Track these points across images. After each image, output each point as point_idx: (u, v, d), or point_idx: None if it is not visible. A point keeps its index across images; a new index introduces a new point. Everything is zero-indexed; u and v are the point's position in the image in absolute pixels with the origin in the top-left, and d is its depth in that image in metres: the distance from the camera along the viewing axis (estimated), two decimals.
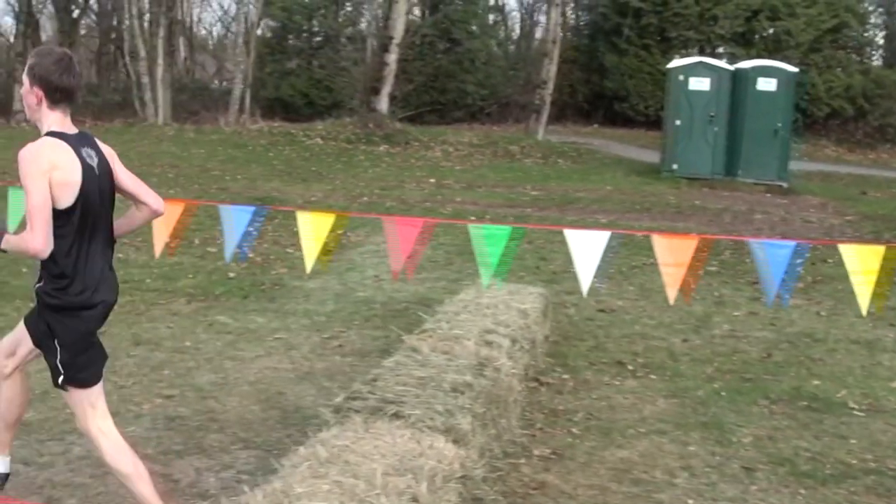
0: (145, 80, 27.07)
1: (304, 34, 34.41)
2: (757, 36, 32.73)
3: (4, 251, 3.82)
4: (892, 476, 5.18)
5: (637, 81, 33.02)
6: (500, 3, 39.90)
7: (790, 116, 20.23)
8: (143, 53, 27.07)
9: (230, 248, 5.57)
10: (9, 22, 46.91)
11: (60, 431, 5.21)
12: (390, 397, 4.37)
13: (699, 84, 19.94)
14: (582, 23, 38.51)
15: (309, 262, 5.31)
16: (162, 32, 27.19)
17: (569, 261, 10.67)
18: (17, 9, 39.55)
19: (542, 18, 41.85)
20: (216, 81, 41.18)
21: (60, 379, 3.93)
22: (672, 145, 20.10)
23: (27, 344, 4.09)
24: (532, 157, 22.95)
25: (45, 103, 3.83)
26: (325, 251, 5.46)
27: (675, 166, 19.89)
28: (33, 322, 4.01)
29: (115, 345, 7.00)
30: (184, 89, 33.47)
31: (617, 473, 5.05)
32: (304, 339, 7.24)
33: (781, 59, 22.91)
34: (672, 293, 4.97)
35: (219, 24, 51.94)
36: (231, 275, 9.71)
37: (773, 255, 4.84)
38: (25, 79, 3.87)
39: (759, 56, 26.93)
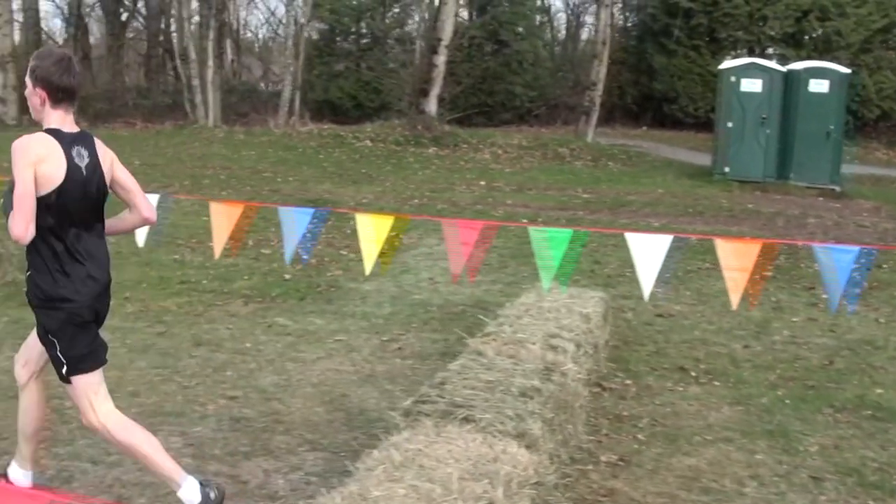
0: (195, 82, 27.26)
1: (352, 36, 34.50)
2: (807, 36, 32.29)
3: None
4: None
5: (686, 83, 32.71)
6: (545, 4, 39.75)
7: (842, 118, 19.93)
8: (193, 56, 27.28)
9: (290, 250, 5.58)
10: (57, 24, 47.57)
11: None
12: (459, 401, 4.34)
13: (751, 85, 19.72)
14: (630, 24, 38.22)
15: (368, 265, 5.31)
16: (212, 35, 27.37)
17: (623, 264, 10.72)
18: (65, 12, 40.14)
19: (589, 19, 41.75)
20: (262, 84, 41.45)
21: (64, 370, 4.06)
22: (724, 148, 19.88)
23: (38, 349, 4.22)
24: (582, 160, 22.83)
25: (48, 103, 4.00)
26: (385, 254, 5.46)
27: (726, 169, 19.68)
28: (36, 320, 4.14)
29: (177, 345, 7.07)
30: (232, 91, 33.69)
31: (686, 481, 4.98)
32: (363, 342, 7.24)
33: (831, 60, 22.58)
34: (735, 298, 4.90)
35: (265, 27, 52.35)
36: (286, 276, 9.74)
37: (837, 260, 4.77)
38: (28, 81, 4.02)
39: (808, 57, 26.61)
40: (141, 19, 42.32)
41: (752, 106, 19.56)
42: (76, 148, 4.00)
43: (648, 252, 5.18)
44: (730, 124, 19.66)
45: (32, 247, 3.98)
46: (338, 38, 34.52)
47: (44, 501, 4.24)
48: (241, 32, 45.73)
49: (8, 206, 3.93)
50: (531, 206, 15.37)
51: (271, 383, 6.16)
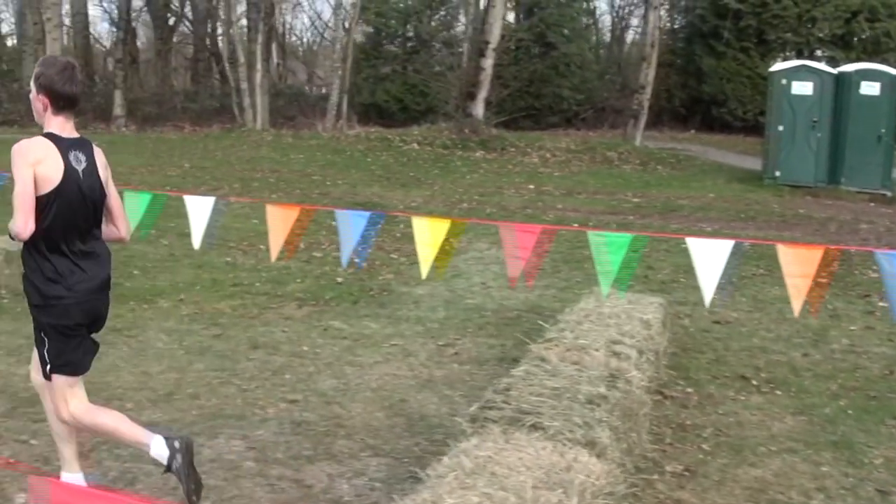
0: (244, 85, 27.42)
1: (399, 39, 34.56)
2: (856, 38, 31.84)
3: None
4: None
5: (735, 85, 32.37)
6: (591, 6, 39.53)
7: (893, 122, 19.57)
8: (241, 59, 27.45)
9: (347, 253, 5.55)
10: (104, 29, 48.13)
11: (189, 433, 5.21)
12: (526, 408, 4.29)
13: (802, 88, 19.45)
14: (678, 25, 37.88)
15: (424, 269, 5.27)
16: (260, 38, 27.52)
17: (677, 270, 10.60)
18: (113, 16, 40.55)
19: (634, 21, 41.49)
20: (307, 87, 41.66)
21: (47, 368, 4.21)
22: (774, 152, 19.63)
23: None
24: (631, 164, 22.68)
25: (50, 110, 4.15)
26: (440, 258, 5.41)
27: (777, 173, 19.44)
28: None
29: (233, 347, 7.08)
30: (280, 95, 33.88)
31: (753, 493, 4.88)
32: (420, 346, 7.20)
33: (880, 62, 22.21)
34: (797, 305, 4.79)
35: (310, 30, 52.62)
36: (339, 280, 9.74)
37: None
38: (32, 87, 4.18)
39: (857, 59, 26.21)
40: (188, 23, 42.73)
41: (802, 109, 19.31)
42: (74, 152, 4.13)
43: (709, 257, 5.08)
44: (780, 128, 19.41)
45: (30, 246, 4.11)
46: (384, 42, 34.59)
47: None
48: (287, 37, 46.02)
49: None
50: (581, 210, 15.28)
51: (330, 387, 6.14)
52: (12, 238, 4.19)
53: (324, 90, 39.60)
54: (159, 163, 20.19)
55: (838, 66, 21.12)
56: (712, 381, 6.78)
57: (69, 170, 4.07)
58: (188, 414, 5.56)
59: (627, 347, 5.58)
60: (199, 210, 5.65)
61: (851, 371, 7.21)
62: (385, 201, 15.17)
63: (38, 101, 4.16)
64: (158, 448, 4.17)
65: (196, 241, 5.62)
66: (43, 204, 4.02)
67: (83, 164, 4.16)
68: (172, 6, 39.76)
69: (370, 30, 34.39)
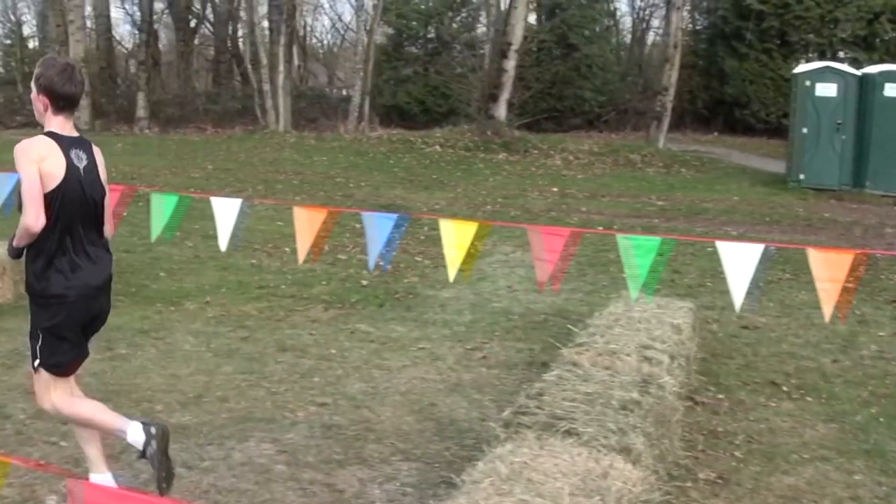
0: (266, 87, 27.48)
1: (420, 41, 34.57)
2: (878, 39, 31.64)
3: (20, 251, 4.23)
4: None
5: (758, 87, 32.20)
6: (612, 8, 39.41)
7: None
8: (264, 61, 27.51)
9: (373, 256, 5.53)
10: (126, 30, 48.34)
11: (219, 436, 5.24)
12: (559, 413, 4.26)
13: (826, 90, 19.30)
14: (700, 27, 37.70)
15: (451, 272, 5.23)
16: (283, 40, 27.57)
17: (703, 274, 10.54)
18: (135, 18, 40.72)
19: (655, 23, 41.33)
20: (326, 89, 41.73)
21: (36, 363, 4.28)
22: (798, 154, 19.49)
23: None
24: (654, 166, 22.58)
25: (50, 109, 4.23)
26: (468, 261, 5.38)
27: (801, 176, 19.31)
28: None
29: (261, 350, 7.07)
30: (301, 97, 33.95)
31: (786, 502, 4.84)
32: (447, 350, 7.18)
33: None
34: (828, 311, 4.73)
35: (330, 32, 52.71)
36: (363, 282, 9.73)
37: None
38: (33, 87, 4.26)
39: (881, 60, 25.99)
40: (209, 25, 42.88)
41: (826, 111, 19.16)
42: (75, 151, 4.22)
43: (739, 261, 5.03)
44: (804, 130, 19.28)
45: (33, 244, 4.17)
46: (405, 43, 34.61)
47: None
48: (307, 39, 46.13)
49: (11, 251, 4.27)
50: (605, 213, 15.23)
51: (359, 391, 6.13)
52: (12, 253, 4.30)
53: (344, 92, 39.66)
54: (182, 164, 20.26)
55: (861, 67, 20.95)
56: (743, 387, 6.73)
57: (71, 167, 4.15)
58: (218, 417, 5.55)
59: (659, 352, 5.54)
60: (225, 212, 5.65)
61: (882, 378, 7.14)
62: (408, 203, 15.17)
63: (38, 101, 4.25)
64: (135, 434, 4.25)
65: (223, 243, 5.61)
66: (47, 201, 4.10)
67: (84, 163, 4.25)
68: (194, 8, 39.92)
69: (391, 31, 34.41)
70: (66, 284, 4.16)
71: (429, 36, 34.38)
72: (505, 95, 25.12)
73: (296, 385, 6.22)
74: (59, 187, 4.10)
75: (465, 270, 5.43)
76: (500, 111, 25.04)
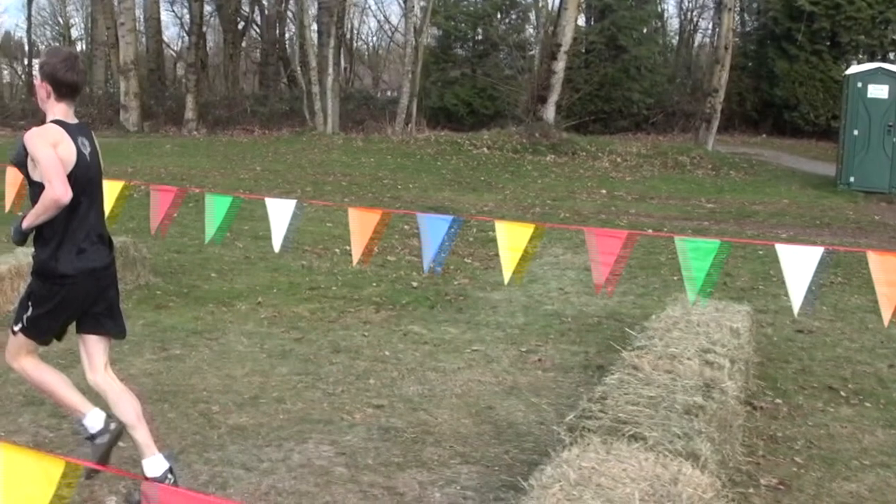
0: (314, 89, 27.59)
1: (468, 42, 34.55)
2: None
3: (27, 234, 4.32)
4: None
5: (807, 89, 31.83)
6: (660, 9, 39.15)
7: None
8: (313, 63, 27.62)
9: (428, 258, 5.51)
10: (173, 33, 48.81)
11: (277, 437, 5.24)
12: (623, 417, 4.21)
13: (878, 92, 19.01)
14: (748, 28, 37.33)
15: (507, 273, 5.20)
16: (332, 42, 27.67)
17: (755, 277, 10.41)
18: (184, 21, 41.13)
19: (702, 24, 40.99)
20: (373, 91, 41.87)
21: (18, 327, 4.44)
22: (849, 157, 19.22)
23: (95, 349, 4.54)
24: (703, 169, 22.39)
25: (53, 97, 4.36)
26: (521, 263, 5.34)
27: (851, 179, 19.04)
28: None
29: (315, 351, 7.07)
30: (349, 99, 34.07)
31: None
32: (501, 352, 7.13)
33: None
34: (887, 315, 4.64)
35: (376, 35, 52.90)
36: (414, 284, 9.71)
37: None
38: (37, 75, 4.41)
39: None
40: (256, 28, 43.20)
41: (878, 113, 18.88)
42: (80, 137, 4.37)
43: (798, 265, 4.95)
44: (855, 132, 19.01)
45: (47, 225, 4.29)
46: (453, 45, 34.62)
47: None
48: (353, 41, 46.34)
49: (16, 234, 4.35)
50: (655, 215, 15.12)
51: (415, 393, 6.10)
52: (18, 236, 4.36)
53: (389, 93, 39.76)
54: (231, 166, 20.39)
55: None
56: (800, 392, 6.63)
57: (80, 153, 4.31)
58: (275, 418, 5.55)
59: (719, 356, 5.46)
60: (279, 213, 5.67)
61: None
62: (457, 205, 15.15)
63: (41, 88, 4.37)
64: (94, 420, 4.44)
65: (276, 244, 5.63)
66: None
67: (88, 149, 4.41)
68: (242, 11, 40.23)
69: (439, 33, 34.42)
70: (73, 266, 4.31)
71: (477, 38, 34.35)
72: (553, 97, 25.03)
73: (351, 387, 6.20)
74: (72, 172, 4.23)
75: (519, 272, 5.39)
76: (549, 113, 24.95)
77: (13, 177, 5.90)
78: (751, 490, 4.82)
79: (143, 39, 38.48)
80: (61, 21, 56.16)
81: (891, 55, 31.67)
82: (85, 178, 4.33)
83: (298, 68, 30.02)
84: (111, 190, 5.97)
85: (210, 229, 5.76)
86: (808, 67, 31.93)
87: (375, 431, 5.36)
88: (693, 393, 4.66)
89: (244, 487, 4.60)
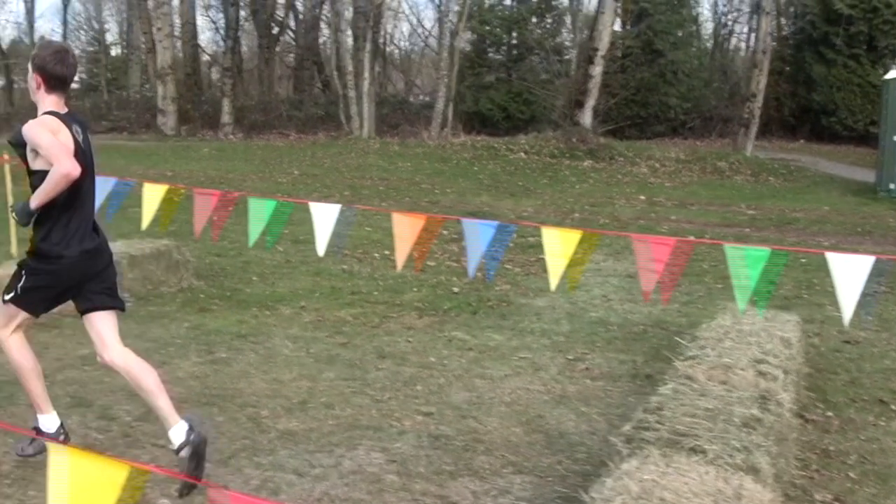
0: (350, 94, 27.67)
1: (504, 47, 34.51)
2: None
3: (34, 215, 4.49)
4: None
5: (845, 94, 31.56)
6: (695, 13, 38.93)
7: None
8: (350, 68, 27.70)
9: (474, 264, 5.48)
10: (207, 37, 49.10)
11: (328, 443, 5.22)
12: (681, 429, 4.15)
13: None
14: (785, 32, 37.04)
15: (553, 280, 5.16)
16: (368, 47, 27.74)
17: (798, 285, 10.28)
18: (219, 26, 41.34)
19: (737, 28, 40.71)
20: (409, 96, 41.92)
21: (10, 296, 4.65)
22: (889, 163, 19.02)
23: (103, 324, 4.72)
24: (742, 175, 22.24)
25: (43, 88, 4.55)
26: (575, 270, 5.29)
27: (892, 186, 18.84)
28: None
29: (361, 357, 7.05)
30: (383, 103, 34.15)
31: None
32: (548, 360, 7.08)
33: None
34: None
35: (408, 39, 52.92)
36: (455, 290, 9.69)
37: None
38: (29, 67, 4.59)
39: None
40: (290, 33, 43.39)
41: None
42: (74, 125, 4.56)
43: (849, 274, 4.88)
44: (895, 138, 18.80)
45: (46, 208, 4.48)
46: (488, 49, 34.58)
47: None
48: (386, 45, 46.46)
49: (23, 216, 4.52)
50: (695, 222, 15.02)
51: (464, 400, 6.06)
52: (25, 217, 4.50)
53: (421, 97, 39.78)
54: (269, 170, 20.48)
55: None
56: (851, 405, 6.52)
57: (76, 141, 4.51)
58: (325, 423, 5.54)
59: (773, 367, 5.38)
60: (324, 218, 5.66)
61: None
62: (495, 211, 15.11)
63: (33, 80, 4.56)
64: (49, 424, 4.77)
65: (321, 248, 5.62)
66: None
67: (81, 136, 4.59)
68: (277, 16, 40.43)
69: (473, 37, 34.40)
70: (69, 247, 4.53)
71: (511, 42, 34.31)
72: (591, 102, 24.97)
73: (399, 393, 6.18)
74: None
75: (573, 279, 5.36)
76: (586, 118, 24.88)
77: None
78: None
79: (179, 44, 38.74)
80: (96, 26, 56.69)
81: None
82: (82, 164, 4.47)
83: (335, 72, 30.11)
84: (156, 194, 6.00)
85: (254, 233, 5.76)
86: (845, 72, 31.66)
87: (425, 439, 5.33)
88: (750, 405, 4.60)
89: (297, 493, 4.58)
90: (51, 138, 4.37)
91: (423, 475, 4.79)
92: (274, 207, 5.78)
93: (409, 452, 5.10)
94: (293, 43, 44.14)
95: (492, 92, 32.76)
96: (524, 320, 8.41)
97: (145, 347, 7.08)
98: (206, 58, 45.47)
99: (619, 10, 31.94)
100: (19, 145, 4.52)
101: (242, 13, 38.17)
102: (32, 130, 4.40)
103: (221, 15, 43.42)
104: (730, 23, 41.26)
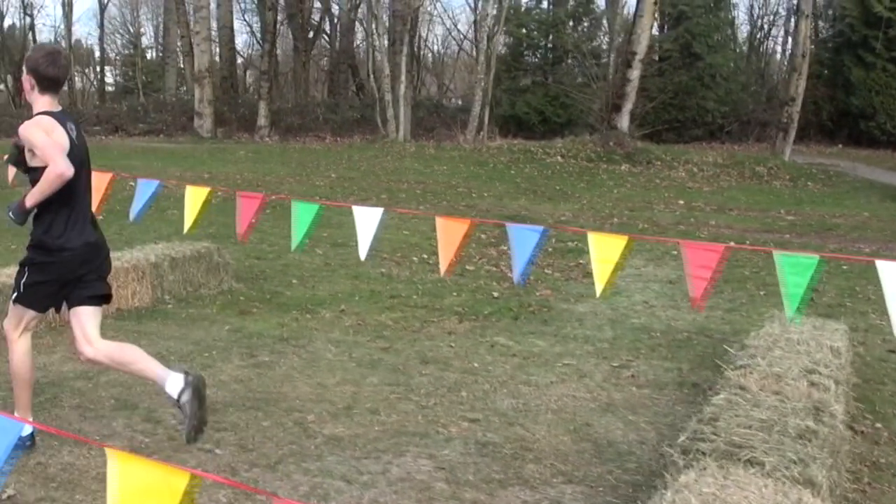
0: (387, 97, 27.72)
1: (540, 50, 34.45)
2: None
3: (29, 213, 4.65)
4: None
5: (884, 98, 31.24)
6: (731, 16, 38.68)
7: None
8: (386, 71, 27.75)
9: (519, 269, 5.43)
10: (242, 41, 49.42)
11: (374, 449, 5.20)
12: (737, 440, 4.09)
13: None
14: (823, 35, 36.70)
15: (599, 286, 5.10)
16: (405, 50, 27.78)
17: (841, 293, 10.16)
18: (253, 29, 41.56)
19: (774, 31, 40.40)
20: (443, 99, 41.97)
21: (14, 295, 4.85)
22: None
23: (88, 319, 4.91)
24: (780, 179, 22.07)
25: (36, 89, 4.70)
26: (613, 275, 5.23)
27: None
28: None
29: (404, 362, 7.03)
30: (419, 106, 34.20)
31: None
32: (593, 367, 7.03)
33: None
34: None
35: (442, 43, 52.96)
36: (495, 294, 9.65)
37: None
38: (24, 69, 4.74)
39: None
40: (325, 37, 43.57)
41: None
42: (68, 123, 4.71)
43: None
44: None
45: (45, 205, 4.64)
46: (525, 53, 34.53)
47: None
48: (420, 49, 46.55)
49: (19, 214, 4.65)
50: (735, 227, 14.90)
51: (510, 407, 6.02)
52: (21, 216, 4.65)
53: (453, 100, 39.79)
54: (306, 173, 20.54)
55: None
56: None
57: (71, 138, 4.66)
58: (370, 429, 5.52)
59: (824, 378, 5.31)
60: (366, 221, 5.63)
61: None
62: (533, 215, 15.06)
63: (26, 81, 4.72)
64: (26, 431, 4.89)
65: (362, 252, 5.59)
66: None
67: (74, 133, 4.74)
68: (313, 20, 40.63)
69: (510, 41, 34.37)
70: (70, 240, 4.70)
71: (548, 45, 34.24)
72: (628, 106, 24.87)
73: (444, 399, 6.15)
74: (67, 155, 4.56)
75: (608, 284, 5.30)
76: (623, 122, 24.78)
77: (98, 181, 5.97)
78: None
79: (216, 48, 39.00)
80: (131, 30, 57.22)
81: None
82: (78, 160, 4.64)
83: (371, 76, 30.18)
84: (197, 196, 6.01)
85: (297, 237, 5.75)
86: (884, 76, 31.34)
87: (473, 446, 5.29)
88: (804, 416, 4.53)
89: (346, 500, 4.56)
90: (45, 138, 4.52)
91: (472, 483, 4.75)
92: (317, 211, 5.77)
93: (456, 460, 5.07)
94: (328, 46, 44.33)
95: (528, 95, 32.73)
96: (566, 326, 8.36)
97: (188, 350, 7.11)
98: (240, 61, 45.84)
99: (657, 14, 31.81)
100: (19, 164, 4.72)
101: (279, 16, 38.38)
102: (28, 130, 4.55)
103: (257, 18, 43.74)
104: (766, 26, 40.99)
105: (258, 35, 44.56)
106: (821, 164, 25.57)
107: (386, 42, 29.10)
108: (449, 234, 5.55)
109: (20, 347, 4.88)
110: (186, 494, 2.81)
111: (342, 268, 10.71)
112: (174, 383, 4.87)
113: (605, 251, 5.18)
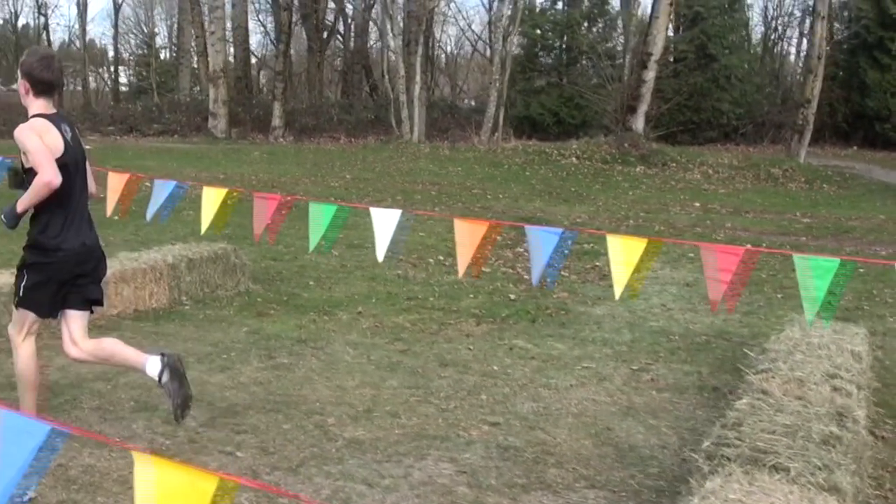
0: (402, 97, 27.73)
1: (554, 51, 34.41)
2: None
3: (21, 218, 4.74)
4: None
5: None
6: (746, 18, 38.56)
7: None
8: (401, 72, 27.76)
9: (538, 271, 5.43)
10: (256, 41, 49.52)
11: (395, 453, 5.20)
12: (761, 446, 4.08)
13: None
14: (838, 37, 36.52)
15: (618, 289, 5.09)
16: (420, 51, 27.79)
17: (858, 296, 10.13)
18: (267, 29, 41.62)
19: (788, 32, 40.26)
20: (457, 100, 41.97)
21: (16, 300, 4.91)
22: None
23: (76, 322, 5.01)
24: (796, 182, 22.00)
25: (31, 93, 4.78)
26: (637, 278, 5.23)
27: None
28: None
29: (423, 364, 7.03)
30: (433, 107, 34.20)
31: None
32: (612, 370, 7.02)
33: None
34: None
35: (456, 43, 52.95)
36: (511, 296, 9.64)
37: None
38: (19, 73, 4.81)
39: None
40: (339, 37, 43.62)
41: None
42: (63, 125, 4.78)
43: None
44: None
45: (41, 206, 4.71)
46: (540, 54, 34.49)
47: None
48: (433, 49, 46.56)
49: (11, 219, 4.73)
50: (751, 230, 14.86)
51: (530, 410, 6.02)
52: (12, 221, 4.73)
53: (466, 101, 39.77)
54: (321, 173, 20.56)
55: None
56: None
57: (65, 140, 4.72)
58: (391, 432, 5.52)
59: (846, 382, 5.30)
60: (384, 223, 5.63)
61: None
62: (549, 217, 15.05)
63: (21, 85, 4.80)
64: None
65: (380, 254, 5.59)
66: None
67: (69, 135, 4.80)
68: (327, 20, 40.69)
69: (524, 41, 34.33)
70: (66, 241, 4.78)
71: (563, 46, 34.20)
72: (643, 107, 24.81)
73: (464, 402, 6.15)
74: (61, 158, 4.66)
75: (634, 288, 5.29)
76: (638, 123, 24.74)
77: (116, 182, 6.00)
78: None
79: (230, 48, 39.07)
80: (145, 30, 57.41)
81: None
82: (73, 161, 4.76)
83: (385, 76, 30.20)
84: (215, 197, 6.00)
85: (314, 238, 5.75)
86: None
87: (494, 450, 5.29)
88: (828, 422, 4.52)
89: None
90: (37, 143, 4.58)
91: (494, 488, 4.75)
92: (334, 212, 5.77)
93: (478, 463, 5.07)
94: (342, 47, 44.38)
95: (542, 96, 32.69)
96: (584, 329, 8.35)
97: (206, 352, 7.13)
98: (254, 61, 45.90)
99: (672, 15, 31.74)
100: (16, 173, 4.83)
101: (293, 17, 38.43)
102: (22, 134, 4.63)
103: (271, 19, 43.83)
104: (780, 27, 40.88)
105: (272, 35, 44.67)
106: (836, 166, 25.47)
107: (400, 42, 29.12)
108: (467, 236, 5.56)
109: (25, 351, 4.94)
110: (218, 498, 2.82)
111: (358, 269, 10.72)
112: (153, 366, 4.98)
113: (623, 254, 5.17)
